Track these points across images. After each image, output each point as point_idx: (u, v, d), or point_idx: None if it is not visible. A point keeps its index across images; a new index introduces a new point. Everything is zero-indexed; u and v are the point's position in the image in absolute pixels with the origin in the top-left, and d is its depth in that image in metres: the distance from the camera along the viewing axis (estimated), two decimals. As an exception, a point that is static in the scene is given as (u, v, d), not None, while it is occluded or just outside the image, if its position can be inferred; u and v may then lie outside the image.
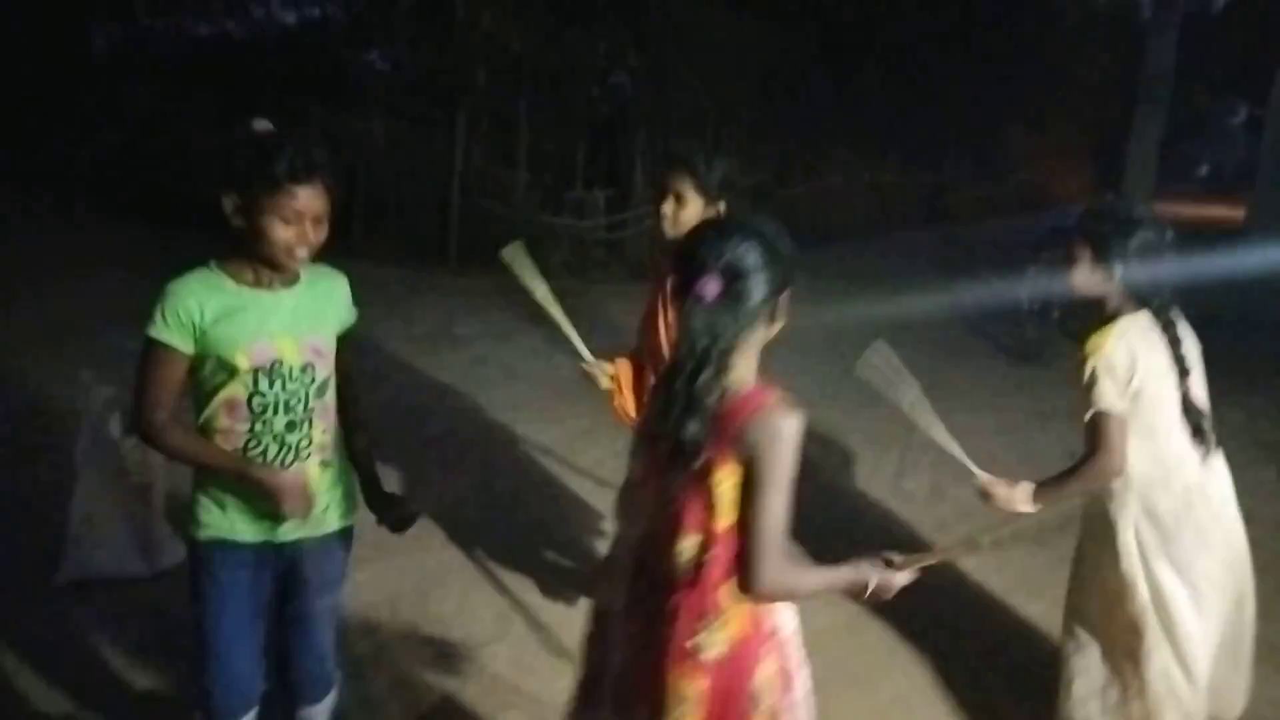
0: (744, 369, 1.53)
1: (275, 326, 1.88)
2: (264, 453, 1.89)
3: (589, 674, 1.71)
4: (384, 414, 4.94)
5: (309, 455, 1.95)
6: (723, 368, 1.47)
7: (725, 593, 1.52)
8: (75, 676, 2.79)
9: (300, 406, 1.91)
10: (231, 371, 1.84)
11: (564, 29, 9.71)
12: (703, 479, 1.48)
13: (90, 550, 3.20)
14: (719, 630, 1.52)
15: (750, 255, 1.49)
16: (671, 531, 1.52)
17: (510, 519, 3.97)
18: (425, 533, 3.78)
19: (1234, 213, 14.01)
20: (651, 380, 2.58)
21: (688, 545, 1.52)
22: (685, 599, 1.53)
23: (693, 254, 1.51)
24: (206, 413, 1.88)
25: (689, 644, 1.52)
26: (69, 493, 3.21)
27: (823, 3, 11.19)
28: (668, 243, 2.56)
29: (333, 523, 2.04)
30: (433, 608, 3.25)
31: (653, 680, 1.54)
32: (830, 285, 8.56)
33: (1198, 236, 12.03)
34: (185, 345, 1.81)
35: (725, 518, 1.49)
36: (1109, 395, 2.21)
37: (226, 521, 1.92)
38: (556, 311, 2.49)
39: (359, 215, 9.77)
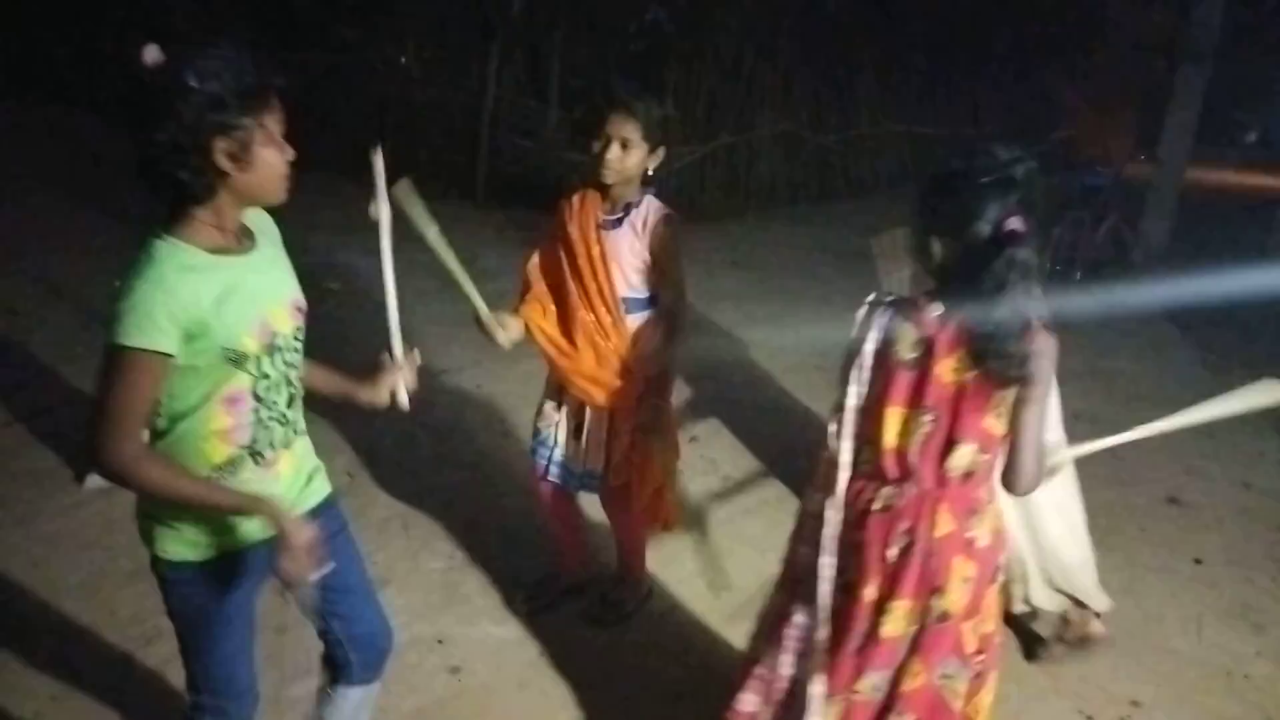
0: None
1: (266, 294, 1.62)
2: (271, 440, 1.67)
3: (793, 575, 1.97)
4: (405, 343, 5.05)
5: (300, 426, 1.76)
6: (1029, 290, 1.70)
7: (986, 490, 1.84)
8: (103, 571, 2.96)
9: (295, 376, 1.71)
10: (238, 360, 1.55)
11: (602, -38, 9.58)
12: (987, 394, 1.75)
13: (122, 455, 3.36)
14: (985, 522, 1.85)
15: (1033, 188, 1.72)
16: (946, 441, 1.78)
17: (518, 450, 4.10)
18: (446, 455, 3.92)
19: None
20: (584, 317, 2.52)
21: (965, 452, 1.78)
22: (954, 497, 1.82)
23: (970, 199, 1.71)
24: (193, 419, 1.57)
25: (968, 535, 1.83)
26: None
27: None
28: (604, 187, 2.46)
29: (322, 489, 1.85)
30: (444, 525, 3.39)
31: (934, 566, 1.82)
32: (862, 239, 8.51)
33: (1237, 206, 11.79)
34: (175, 348, 1.47)
35: (1001, 428, 1.78)
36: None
37: (237, 529, 1.66)
38: (450, 259, 2.26)
39: (388, 146, 9.79)
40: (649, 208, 2.49)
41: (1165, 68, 9.27)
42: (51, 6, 10.02)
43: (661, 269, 2.51)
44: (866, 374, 1.82)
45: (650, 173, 2.48)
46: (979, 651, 1.90)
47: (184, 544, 1.65)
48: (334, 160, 9.48)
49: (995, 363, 1.71)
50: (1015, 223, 1.69)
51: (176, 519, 1.63)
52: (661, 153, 2.46)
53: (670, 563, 3.22)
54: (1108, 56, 14.06)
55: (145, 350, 1.44)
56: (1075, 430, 4.04)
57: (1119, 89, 14.59)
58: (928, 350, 1.75)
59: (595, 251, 2.49)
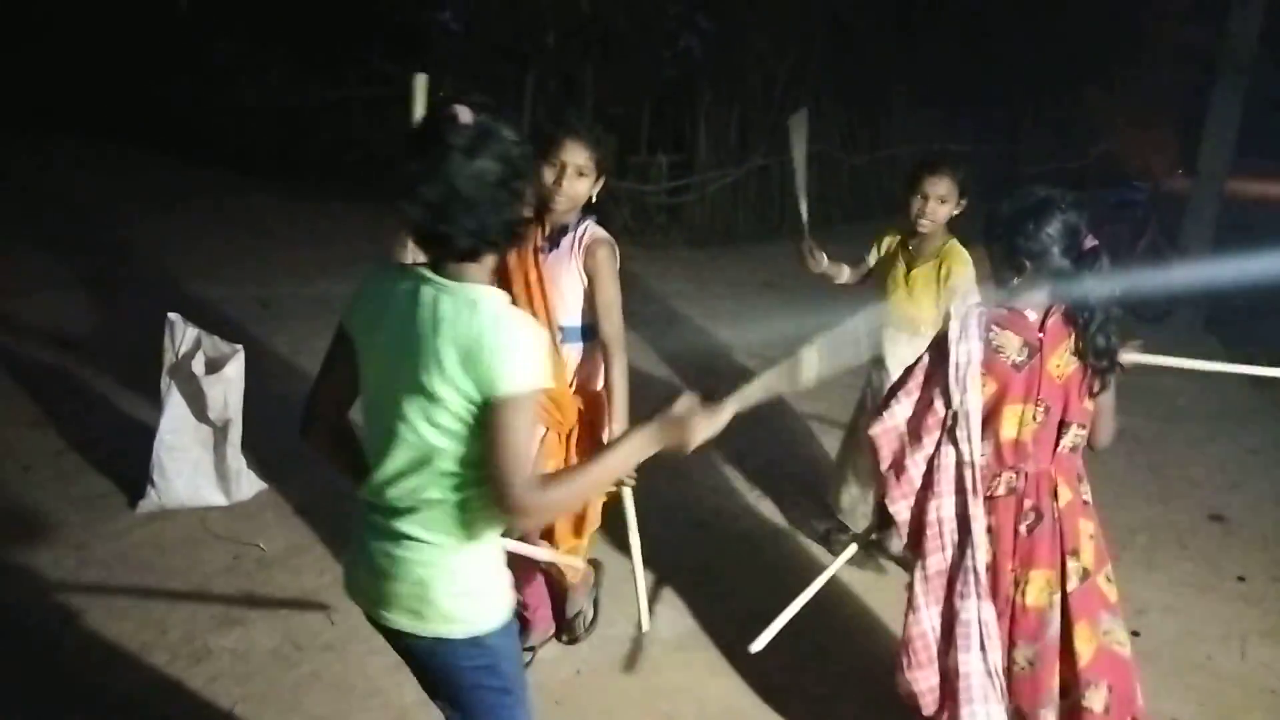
0: None
1: None
2: None
3: (948, 579, 2.23)
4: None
5: None
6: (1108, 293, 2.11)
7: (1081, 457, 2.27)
8: (156, 595, 3.06)
9: None
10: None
11: (634, -8, 9.73)
12: (1084, 382, 2.13)
13: (172, 480, 3.47)
14: (1086, 483, 2.27)
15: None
16: (1059, 425, 2.15)
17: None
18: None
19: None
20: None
21: (1073, 431, 2.16)
22: (1065, 469, 2.20)
23: (1061, 225, 2.07)
24: None
25: (1084, 497, 2.24)
26: (154, 426, 3.48)
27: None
28: (543, 215, 2.46)
29: None
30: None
31: (1066, 531, 2.18)
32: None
33: (1277, 215, 11.57)
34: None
35: (1093, 406, 2.18)
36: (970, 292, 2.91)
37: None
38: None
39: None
40: (587, 230, 2.51)
41: (1203, 81, 9.17)
42: (92, 39, 10.37)
43: (596, 293, 2.48)
44: (978, 380, 2.11)
45: (594, 199, 2.51)
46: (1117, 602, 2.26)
47: (501, 602, 1.65)
48: (374, 193, 9.73)
49: (1093, 359, 2.10)
50: (1091, 240, 2.08)
51: (493, 580, 1.64)
52: (603, 179, 2.49)
53: (705, 589, 3.25)
54: (1146, 72, 13.95)
55: (538, 389, 1.49)
56: (1117, 448, 4.01)
57: (1158, 104, 14.44)
58: (1035, 352, 2.10)
59: (533, 276, 2.47)
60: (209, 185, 8.77)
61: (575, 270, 2.49)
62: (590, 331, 2.55)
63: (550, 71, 10.01)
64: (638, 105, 10.45)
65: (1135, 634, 3.05)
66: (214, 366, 3.44)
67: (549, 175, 2.41)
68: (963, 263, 3.05)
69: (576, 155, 2.41)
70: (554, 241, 2.50)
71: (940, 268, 3.08)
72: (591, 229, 2.52)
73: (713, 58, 10.52)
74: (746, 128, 10.13)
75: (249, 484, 3.61)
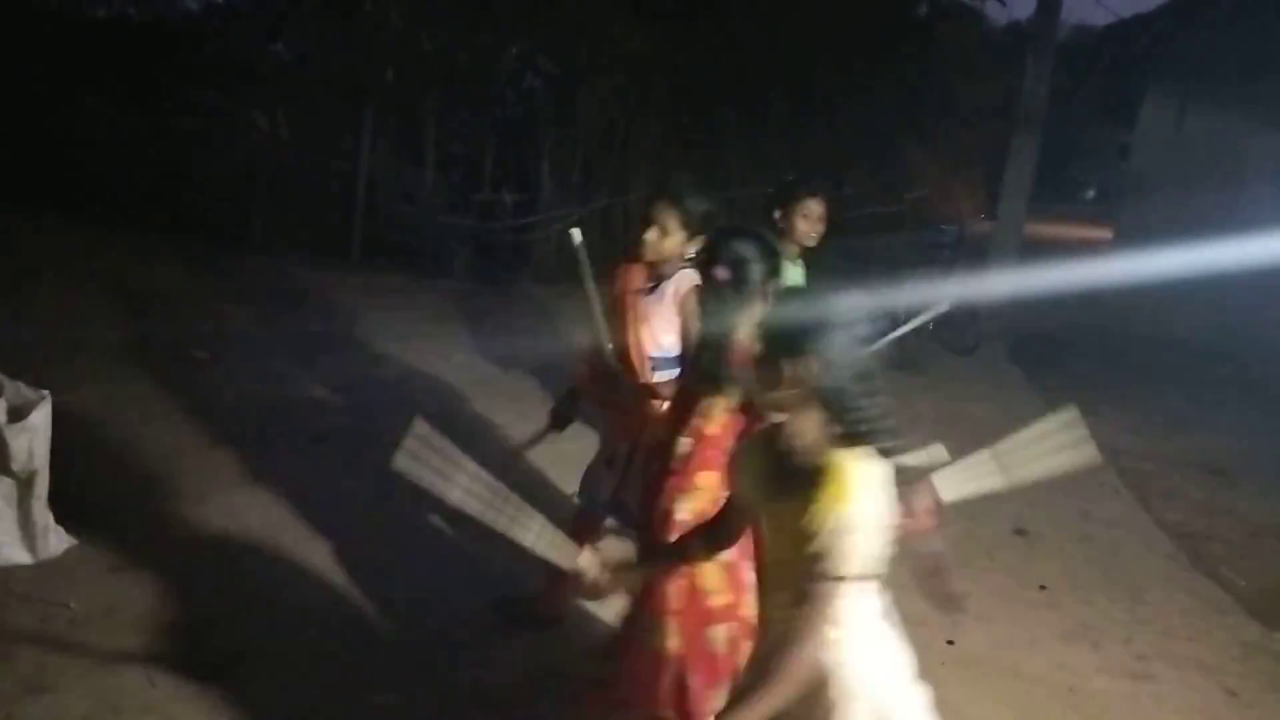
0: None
1: None
2: None
3: None
4: (277, 409, 4.97)
5: None
6: None
7: None
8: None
9: None
10: None
11: (475, 31, 9.78)
12: None
13: (-31, 538, 3.20)
14: None
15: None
16: None
17: (403, 515, 4.07)
18: (317, 526, 3.86)
19: (1109, 234, 14.98)
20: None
21: None
22: None
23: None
24: None
25: None
26: (-52, 480, 3.20)
27: (730, 26, 11.52)
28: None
29: None
30: (321, 596, 3.35)
31: None
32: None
33: (1068, 254, 12.81)
34: None
35: None
36: None
37: None
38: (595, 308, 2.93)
39: (259, 209, 9.63)
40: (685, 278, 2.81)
41: (1002, 134, 10.07)
42: None
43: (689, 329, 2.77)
44: None
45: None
46: None
47: None
48: (202, 225, 9.29)
49: None
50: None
51: None
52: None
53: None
54: (954, 126, 15.21)
55: None
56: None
57: (965, 154, 15.74)
58: None
59: (632, 314, 2.91)
60: (11, 218, 8.15)
61: (670, 311, 2.83)
62: (683, 360, 2.81)
63: (390, 107, 9.90)
64: (480, 143, 10.48)
65: (950, 643, 3.29)
66: (18, 414, 3.22)
67: (651, 234, 2.81)
68: None
69: (663, 214, 2.79)
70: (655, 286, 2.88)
71: None
72: (689, 277, 2.77)
73: (555, 98, 10.69)
74: (589, 168, 10.33)
75: (57, 540, 3.37)
